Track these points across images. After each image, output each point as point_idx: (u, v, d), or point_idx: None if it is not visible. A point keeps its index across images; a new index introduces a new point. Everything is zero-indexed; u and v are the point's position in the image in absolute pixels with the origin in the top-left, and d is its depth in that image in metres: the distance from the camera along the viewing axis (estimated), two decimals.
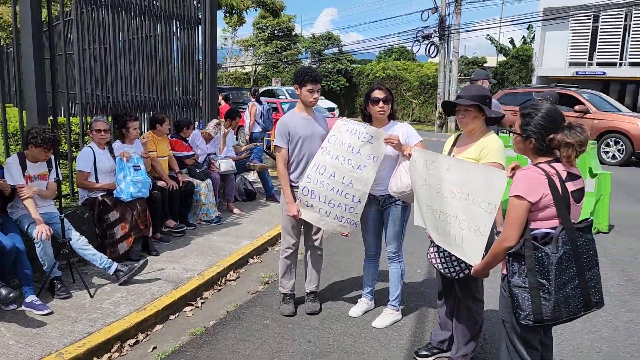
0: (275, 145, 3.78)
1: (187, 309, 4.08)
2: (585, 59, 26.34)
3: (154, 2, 6.26)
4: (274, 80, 36.61)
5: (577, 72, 26.11)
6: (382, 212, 3.63)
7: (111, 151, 4.98)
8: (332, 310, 3.93)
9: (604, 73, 25.48)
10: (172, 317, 3.92)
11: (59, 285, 3.96)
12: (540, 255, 2.08)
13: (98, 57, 5.51)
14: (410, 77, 28.16)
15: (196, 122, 7.10)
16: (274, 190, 7.45)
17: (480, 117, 2.87)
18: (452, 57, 24.16)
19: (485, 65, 33.70)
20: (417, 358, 3.20)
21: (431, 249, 2.99)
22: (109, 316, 3.64)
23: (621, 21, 25.08)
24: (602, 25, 25.61)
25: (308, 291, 3.98)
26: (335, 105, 24.21)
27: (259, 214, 6.69)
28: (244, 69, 47.14)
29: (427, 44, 24.80)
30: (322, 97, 22.63)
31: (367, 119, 3.61)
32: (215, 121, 6.58)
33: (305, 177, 3.59)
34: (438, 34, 24.02)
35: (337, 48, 34.78)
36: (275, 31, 40.93)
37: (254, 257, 5.32)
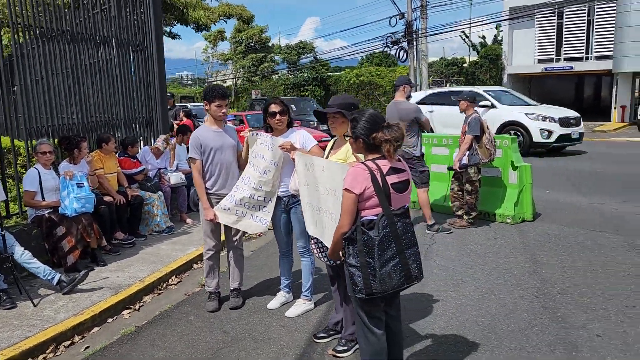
0: (189, 158, 4.18)
1: (125, 312, 4.45)
2: (553, 55, 27.01)
3: (99, 29, 6.66)
4: (253, 92, 37.16)
5: (545, 68, 26.78)
6: (289, 212, 4.04)
7: (57, 171, 5.37)
8: (254, 305, 4.33)
9: (572, 68, 26.14)
10: (110, 320, 4.29)
11: (4, 297, 4.33)
12: (366, 238, 2.49)
13: (43, 85, 5.89)
14: (384, 82, 28.69)
15: (152, 139, 7.49)
16: None
17: (346, 122, 3.29)
18: (422, 60, 24.71)
19: (464, 65, 34.36)
20: (316, 340, 3.59)
21: (312, 242, 3.41)
22: (48, 322, 4.01)
23: (584, 16, 25.78)
24: (566, 21, 26.31)
25: (232, 288, 4.37)
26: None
27: None
28: (225, 82, 47.71)
29: (397, 49, 25.38)
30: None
31: (270, 129, 4.03)
32: (162, 137, 6.99)
33: (234, 188, 4.05)
34: (406, 39, 24.57)
35: (312, 57, 35.29)
36: (251, 44, 41.52)
37: (199, 262, 5.69)
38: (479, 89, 14.08)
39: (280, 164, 3.91)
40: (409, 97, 6.31)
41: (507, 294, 4.28)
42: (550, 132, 12.50)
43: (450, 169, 6.49)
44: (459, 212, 6.50)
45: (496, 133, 12.39)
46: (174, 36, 21.88)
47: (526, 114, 12.87)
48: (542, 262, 5.01)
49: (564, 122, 12.75)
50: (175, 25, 20.94)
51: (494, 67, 26.94)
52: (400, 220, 2.54)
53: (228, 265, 4.41)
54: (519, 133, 12.66)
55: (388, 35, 25.67)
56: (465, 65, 30.49)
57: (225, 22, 22.08)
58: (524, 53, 27.45)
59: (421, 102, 14.34)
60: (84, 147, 5.63)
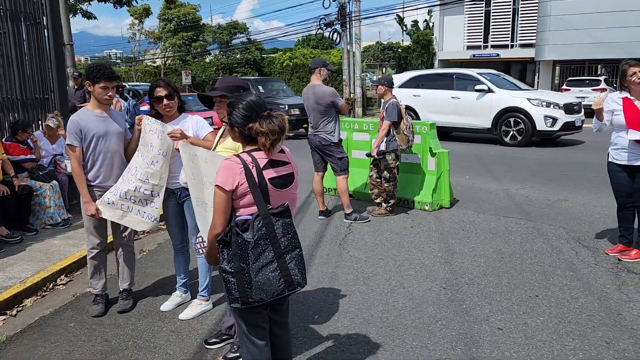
0: (67, 145, 3.70)
1: (0, 318, 3.94)
2: (481, 41, 27.75)
3: None
4: (183, 73, 35.74)
5: (474, 55, 27.45)
6: (182, 205, 3.68)
7: None
8: (146, 307, 3.94)
9: (498, 55, 26.96)
10: None
11: None
12: (240, 240, 2.19)
13: None
14: None
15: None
16: None
17: None
18: (355, 44, 24.58)
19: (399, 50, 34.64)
20: (207, 346, 3.28)
21: (197, 239, 3.07)
22: None
23: (510, 4, 26.58)
24: (493, 9, 27.04)
25: (121, 289, 3.96)
26: None
27: None
28: (155, 62, 45.67)
29: (330, 32, 25.13)
30: None
31: (159, 116, 3.63)
32: (51, 115, 6.36)
33: (119, 179, 3.62)
34: (339, 22, 24.34)
35: (244, 37, 34.38)
36: (182, 22, 39.90)
37: None
38: (473, 72, 12.83)
39: (170, 154, 3.54)
40: (325, 80, 6.04)
41: (416, 287, 4.14)
42: (554, 120, 11.34)
43: (368, 155, 6.32)
44: (378, 200, 6.36)
45: (494, 120, 11.80)
46: (89, 16, 20.39)
47: (529, 99, 11.64)
48: (454, 251, 4.94)
49: (568, 108, 11.60)
50: (90, 2, 19.55)
51: (426, 52, 27.35)
52: (280, 220, 2.25)
53: (117, 264, 3.99)
54: (519, 120, 11.60)
55: (321, 17, 25.40)
56: (400, 50, 30.75)
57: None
58: (454, 39, 28.02)
59: (404, 85, 13.43)
60: None
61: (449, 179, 6.47)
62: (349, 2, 24.34)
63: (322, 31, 25.27)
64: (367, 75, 36.34)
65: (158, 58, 45.57)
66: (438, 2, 26.33)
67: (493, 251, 4.90)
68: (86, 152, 3.67)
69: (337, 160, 5.97)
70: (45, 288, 4.49)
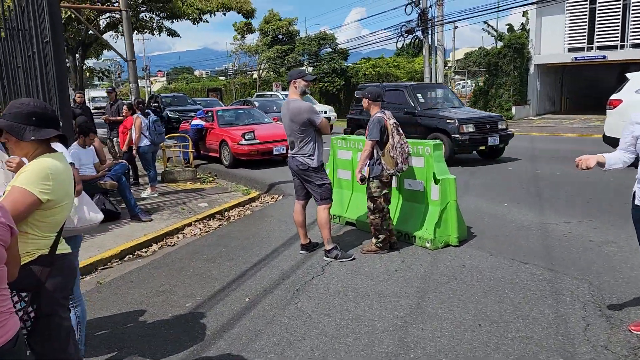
0: None
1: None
2: (584, 43, 24.83)
3: None
4: (274, 84, 36.44)
5: (576, 58, 24.63)
6: None
7: None
8: None
9: (605, 57, 23.93)
10: None
11: None
12: None
13: None
14: (400, 73, 27.30)
15: None
16: (138, 210, 7.03)
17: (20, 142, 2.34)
18: (438, 51, 23.18)
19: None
20: None
21: None
22: None
23: (620, 0, 23.50)
24: (599, 6, 24.09)
25: None
26: (328, 108, 22.00)
27: (102, 238, 6.24)
28: (252, 75, 47.39)
29: (412, 38, 23.98)
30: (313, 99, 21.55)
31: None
32: None
33: None
34: (420, 28, 23.11)
35: (330, 48, 34.18)
36: (278, 35, 40.87)
37: None
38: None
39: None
40: (304, 93, 5.22)
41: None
42: None
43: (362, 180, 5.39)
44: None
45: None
46: (173, 34, 21.35)
47: None
48: (423, 310, 3.89)
49: None
50: (172, 21, 20.39)
51: (519, 56, 24.98)
52: None
53: None
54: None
55: (402, 24, 24.34)
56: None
57: (224, 14, 21.31)
58: (553, 41, 25.37)
59: None
60: None
61: (458, 210, 5.33)
62: (431, 7, 23.08)
63: (403, 38, 24.18)
64: (459, 84, 34.36)
65: (253, 70, 47.18)
66: (534, 1, 24.02)
67: (472, 315, 3.77)
68: None
69: (317, 187, 5.14)
70: None
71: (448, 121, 10.44)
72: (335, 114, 20.98)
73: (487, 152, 11.03)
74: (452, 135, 10.22)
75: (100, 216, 3.14)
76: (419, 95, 11.60)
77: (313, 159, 5.09)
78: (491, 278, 4.45)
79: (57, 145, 2.54)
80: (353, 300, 4.15)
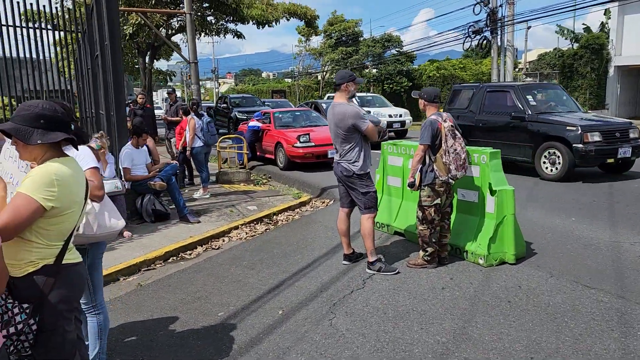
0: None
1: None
2: None
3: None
4: None
5: None
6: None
7: None
8: None
9: None
10: None
11: None
12: None
13: None
14: (467, 76, 26.32)
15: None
16: (186, 211, 7.05)
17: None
18: (507, 51, 22.10)
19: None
20: None
21: None
22: None
23: None
24: None
25: None
26: (403, 111, 19.45)
27: (149, 238, 6.30)
28: (317, 77, 47.65)
29: (480, 39, 23.03)
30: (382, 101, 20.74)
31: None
32: (96, 135, 6.34)
33: None
34: (489, 28, 22.13)
35: (395, 49, 33.59)
36: (343, 37, 40.81)
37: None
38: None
39: None
40: (353, 96, 4.99)
41: None
42: None
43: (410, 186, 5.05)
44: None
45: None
46: (239, 35, 21.71)
47: None
48: (468, 337, 3.52)
49: None
50: (237, 24, 20.69)
51: (597, 58, 23.36)
52: None
53: None
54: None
55: (470, 24, 23.44)
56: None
57: (288, 20, 21.36)
58: (637, 41, 23.51)
59: None
60: None
61: (516, 225, 4.87)
62: (501, 6, 22.06)
63: (470, 39, 23.27)
64: None
65: (317, 72, 47.38)
66: None
67: (524, 346, 3.36)
68: None
69: (361, 195, 4.87)
70: None
71: (568, 128, 8.65)
72: (410, 118, 19.08)
73: (614, 166, 9.33)
74: (574, 145, 8.48)
75: (121, 223, 3.04)
76: (529, 97, 9.72)
77: (357, 165, 4.83)
78: (549, 303, 3.99)
79: (69, 150, 2.44)
80: (392, 320, 3.85)
